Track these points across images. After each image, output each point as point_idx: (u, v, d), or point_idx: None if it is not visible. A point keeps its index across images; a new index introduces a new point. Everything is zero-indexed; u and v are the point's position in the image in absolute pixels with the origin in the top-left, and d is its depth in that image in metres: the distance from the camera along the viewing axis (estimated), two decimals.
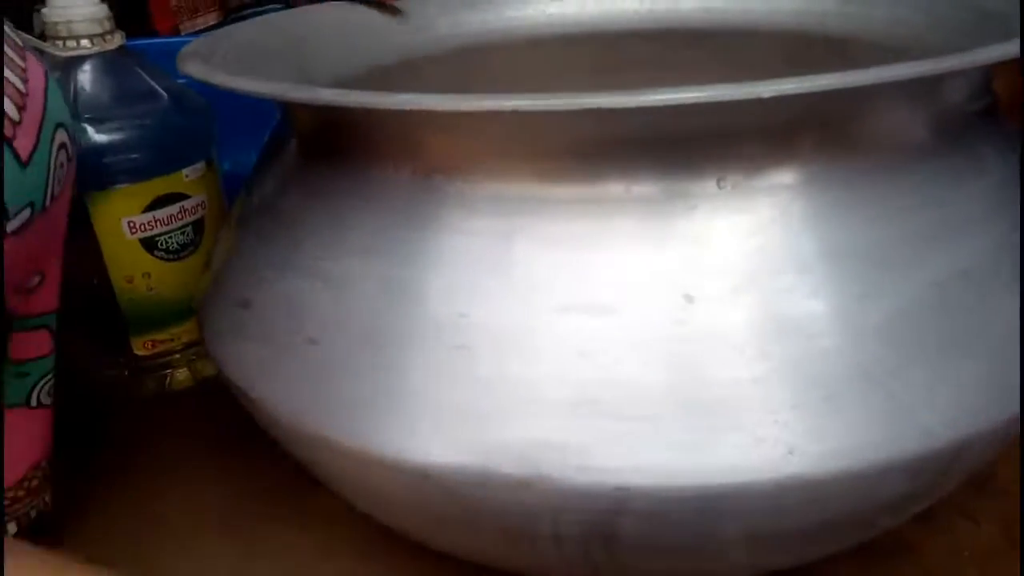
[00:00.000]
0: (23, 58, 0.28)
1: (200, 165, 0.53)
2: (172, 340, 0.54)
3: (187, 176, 0.52)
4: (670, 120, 0.26)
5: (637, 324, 0.26)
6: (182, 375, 0.55)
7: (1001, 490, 0.42)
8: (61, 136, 0.30)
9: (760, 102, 0.23)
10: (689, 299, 0.26)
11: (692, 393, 0.25)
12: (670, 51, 0.55)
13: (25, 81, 0.28)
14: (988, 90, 0.32)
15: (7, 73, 0.26)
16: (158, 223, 0.51)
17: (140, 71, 0.51)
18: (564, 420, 0.26)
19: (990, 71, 0.32)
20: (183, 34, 0.95)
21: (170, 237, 0.52)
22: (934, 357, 0.26)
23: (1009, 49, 0.25)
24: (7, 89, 0.26)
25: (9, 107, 0.26)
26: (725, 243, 0.26)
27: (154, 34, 0.97)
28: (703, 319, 0.26)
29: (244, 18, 1.08)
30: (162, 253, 0.52)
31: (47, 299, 0.37)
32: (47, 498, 0.42)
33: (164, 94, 0.51)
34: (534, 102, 0.23)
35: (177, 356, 0.55)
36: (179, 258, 0.53)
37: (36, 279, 0.35)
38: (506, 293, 0.27)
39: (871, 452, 0.25)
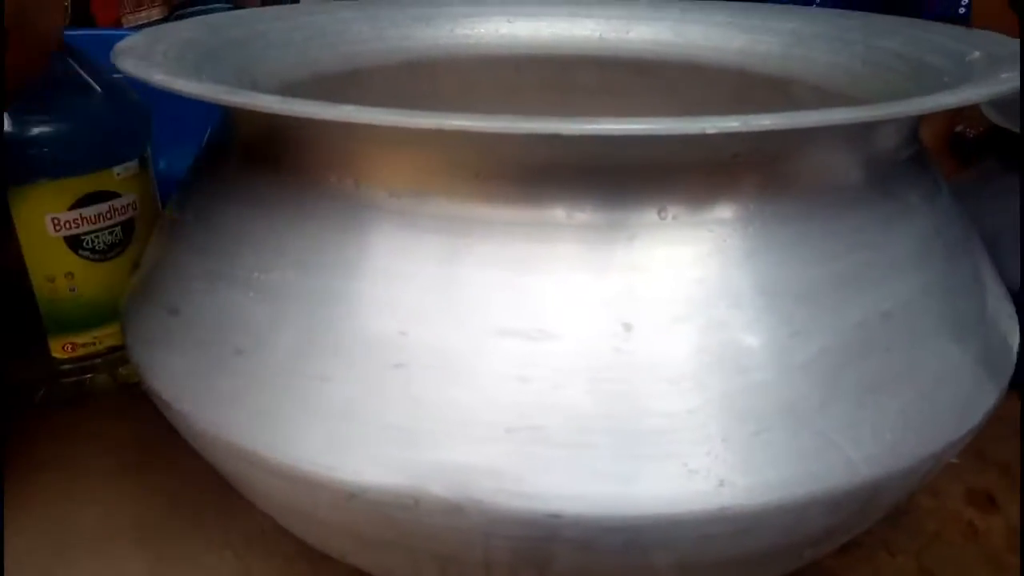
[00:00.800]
0: None
1: (133, 164, 0.51)
2: (94, 343, 0.52)
3: (118, 174, 0.50)
4: (615, 149, 0.26)
5: (575, 350, 0.26)
6: (102, 379, 0.53)
7: (915, 524, 0.43)
8: None
9: (704, 137, 0.24)
10: (627, 327, 0.26)
11: (628, 422, 0.25)
12: (618, 79, 0.55)
13: None
14: (916, 138, 0.34)
15: None
16: (85, 221, 0.49)
17: (72, 63, 0.49)
18: (499, 444, 0.26)
19: (918, 120, 0.33)
20: (125, 27, 0.92)
21: (97, 236, 0.50)
22: (858, 395, 0.27)
23: (943, 100, 0.26)
24: None
25: None
26: (664, 274, 0.26)
27: (94, 25, 0.94)
28: (641, 348, 0.26)
29: (190, 15, 1.06)
30: (88, 252, 0.50)
31: None
32: None
33: (97, 88, 0.49)
34: (480, 123, 0.22)
35: (98, 360, 0.53)
36: (106, 258, 0.51)
37: None
38: (445, 313, 0.27)
39: (798, 486, 0.26)
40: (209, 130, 0.74)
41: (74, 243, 0.49)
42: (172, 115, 0.72)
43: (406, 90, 0.53)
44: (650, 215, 0.27)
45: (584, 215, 0.27)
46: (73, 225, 0.48)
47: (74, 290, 0.50)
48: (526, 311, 0.26)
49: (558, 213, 0.27)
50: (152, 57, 0.33)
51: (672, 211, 0.27)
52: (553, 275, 0.26)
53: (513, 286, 0.27)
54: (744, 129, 0.22)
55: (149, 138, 0.56)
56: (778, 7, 0.52)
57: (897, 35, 0.43)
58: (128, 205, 0.51)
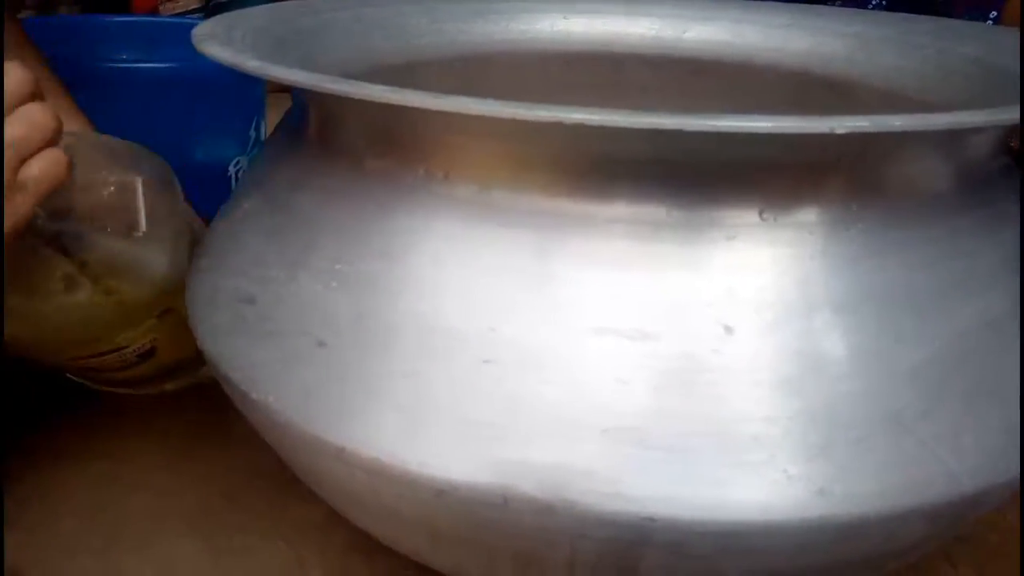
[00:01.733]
0: None
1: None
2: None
3: None
4: (719, 148, 0.25)
5: (674, 351, 0.25)
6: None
7: (977, 536, 0.43)
8: None
9: (816, 137, 0.23)
10: (728, 330, 0.25)
11: (726, 426, 0.25)
12: (673, 79, 0.55)
13: None
14: (1006, 148, 0.33)
15: None
16: None
17: None
18: (593, 445, 0.25)
19: (1010, 129, 0.33)
20: (163, 15, 0.92)
21: None
22: (959, 406, 0.26)
23: None
24: None
25: None
26: (765, 275, 0.26)
27: (130, 11, 0.94)
28: (741, 351, 0.25)
29: (225, 5, 1.05)
30: None
31: None
32: None
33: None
34: (600, 117, 0.22)
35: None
36: None
37: None
38: (539, 310, 0.26)
39: (898, 496, 0.25)
40: (263, 118, 0.73)
41: None
42: (209, 107, 0.72)
43: (461, 83, 0.52)
44: (751, 215, 0.26)
45: (682, 213, 0.26)
46: None
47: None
48: (623, 310, 0.26)
49: (658, 211, 0.26)
50: (232, 43, 0.32)
51: (773, 212, 0.26)
52: (652, 274, 0.26)
53: (610, 284, 0.26)
54: (874, 130, 0.21)
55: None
56: (842, 10, 0.51)
57: (971, 40, 0.42)
58: None
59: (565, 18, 0.56)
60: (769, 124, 0.21)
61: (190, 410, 0.50)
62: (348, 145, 0.31)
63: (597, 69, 0.56)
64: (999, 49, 0.40)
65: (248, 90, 0.70)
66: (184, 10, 0.95)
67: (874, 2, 0.67)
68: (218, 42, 0.32)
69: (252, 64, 0.27)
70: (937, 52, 0.43)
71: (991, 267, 0.29)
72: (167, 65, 0.65)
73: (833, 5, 0.66)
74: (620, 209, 0.26)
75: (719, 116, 0.21)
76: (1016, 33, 0.41)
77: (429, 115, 0.26)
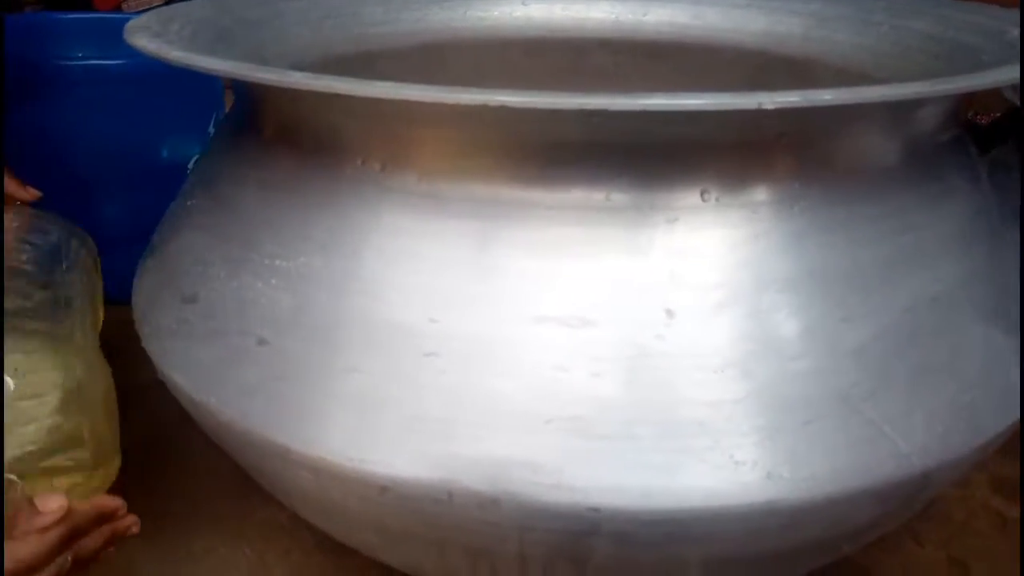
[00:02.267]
0: None
1: None
2: None
3: None
4: (657, 128, 0.25)
5: (615, 338, 0.25)
6: None
7: (942, 514, 0.43)
8: None
9: (753, 114, 0.23)
10: (670, 314, 0.25)
11: (670, 412, 0.24)
12: (633, 62, 0.54)
13: None
14: (956, 121, 0.33)
15: None
16: None
17: None
18: (536, 436, 0.25)
19: (961, 102, 0.32)
20: (125, 12, 0.90)
21: None
22: (908, 383, 0.26)
23: (997, 76, 0.25)
24: None
25: None
26: (707, 257, 0.25)
27: (92, 9, 0.92)
28: (683, 335, 0.25)
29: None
30: None
31: None
32: None
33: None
34: (525, 99, 0.21)
35: None
36: None
37: None
38: (479, 300, 0.26)
39: (848, 478, 0.25)
40: (221, 113, 0.72)
41: None
42: (173, 103, 0.71)
43: (417, 73, 0.51)
44: (692, 197, 0.26)
45: (623, 196, 0.26)
46: None
47: None
48: (563, 298, 0.25)
49: (596, 195, 0.25)
50: (167, 35, 0.32)
51: (715, 193, 0.26)
52: (591, 260, 0.25)
53: (549, 272, 0.25)
54: (805, 104, 0.21)
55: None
56: None
57: (925, 15, 0.42)
58: None
59: (524, 4, 0.55)
60: (697, 101, 0.21)
61: (146, 414, 0.50)
62: (286, 138, 0.30)
63: (557, 55, 0.55)
64: (953, 24, 0.40)
65: (207, 85, 0.69)
66: (147, 7, 0.93)
67: None
68: (149, 34, 0.31)
69: (175, 55, 0.26)
70: (892, 28, 0.43)
71: (939, 241, 0.28)
72: (123, 62, 0.64)
73: None
74: (559, 195, 0.26)
75: (644, 95, 0.21)
76: (968, 7, 0.40)
77: (360, 103, 0.26)
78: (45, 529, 0.31)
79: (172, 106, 0.68)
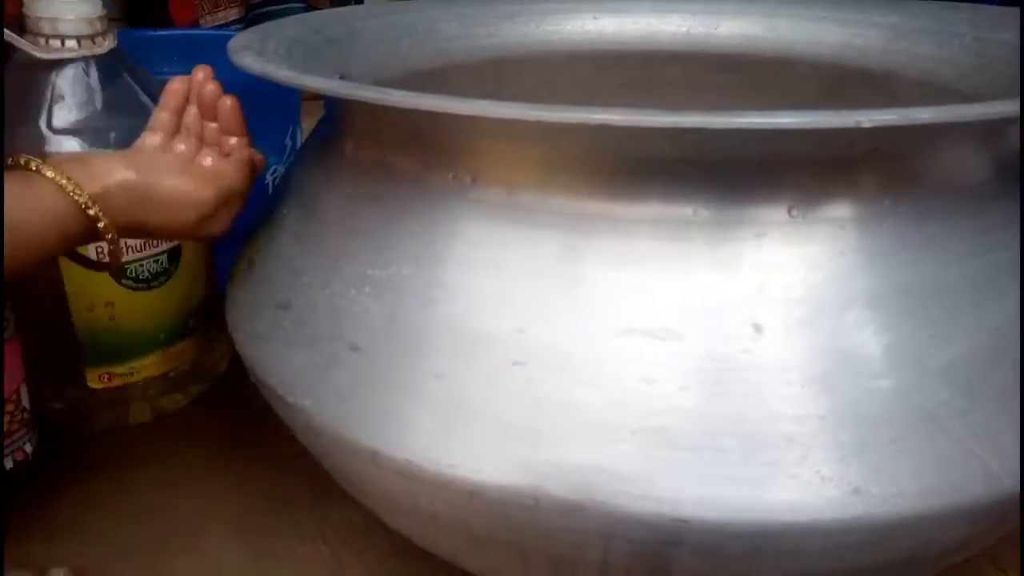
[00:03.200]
0: None
1: None
2: (131, 374, 0.48)
3: None
4: (746, 145, 0.25)
5: (703, 351, 0.25)
6: (140, 410, 0.50)
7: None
8: None
9: (845, 131, 0.23)
10: (758, 329, 0.25)
11: (757, 426, 0.25)
12: (703, 75, 0.54)
13: None
14: None
15: None
16: (129, 250, 0.45)
17: (130, 80, 0.46)
18: (623, 446, 0.25)
19: None
20: (203, 27, 0.94)
21: (141, 265, 0.46)
22: (997, 403, 0.26)
23: None
24: None
25: None
26: (794, 273, 0.26)
27: (172, 25, 0.96)
28: (771, 350, 0.25)
29: (266, 15, 1.07)
30: (130, 282, 0.46)
31: None
32: (28, 447, 0.42)
33: (151, 107, 0.44)
34: (624, 117, 0.22)
35: (136, 391, 0.49)
36: (149, 287, 0.47)
37: None
38: (567, 311, 0.26)
39: (936, 496, 0.25)
40: (298, 125, 0.74)
41: (116, 273, 0.44)
42: (255, 114, 0.73)
43: (492, 86, 0.52)
44: (779, 212, 0.26)
45: (710, 212, 0.26)
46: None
47: (113, 319, 0.47)
48: (651, 310, 0.26)
49: (684, 210, 0.26)
50: (266, 54, 0.33)
51: (803, 208, 0.26)
52: (678, 273, 0.26)
53: (636, 285, 0.26)
54: (902, 123, 0.21)
55: None
56: (878, 0, 0.50)
57: (1010, 27, 0.41)
58: None
59: (595, 18, 0.56)
60: (793, 119, 0.21)
61: (229, 415, 0.52)
62: (378, 151, 0.31)
63: (628, 68, 0.55)
64: None
65: (284, 99, 0.71)
66: (224, 22, 0.97)
67: None
68: (253, 53, 0.32)
69: (283, 74, 0.28)
70: (975, 40, 0.42)
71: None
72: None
73: None
74: (646, 209, 0.26)
75: (741, 113, 0.21)
76: None
77: (455, 119, 0.27)
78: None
79: (251, 118, 0.71)
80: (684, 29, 0.55)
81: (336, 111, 0.34)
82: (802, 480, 0.24)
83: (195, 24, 0.97)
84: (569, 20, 0.55)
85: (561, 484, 0.25)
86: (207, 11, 0.95)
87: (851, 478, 0.24)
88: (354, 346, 0.29)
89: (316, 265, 0.32)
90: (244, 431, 0.49)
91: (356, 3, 1.40)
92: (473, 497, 0.27)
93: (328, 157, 0.34)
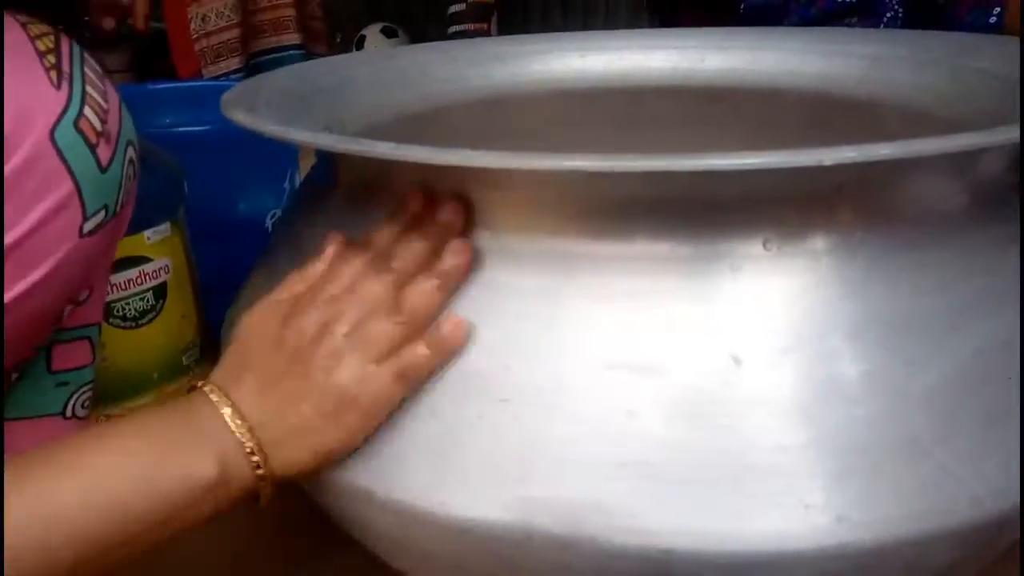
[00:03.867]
0: (102, 80, 0.31)
1: (165, 227, 0.50)
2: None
3: (149, 239, 0.49)
4: (718, 182, 0.26)
5: (684, 383, 0.26)
6: None
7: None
8: (131, 152, 0.32)
9: (813, 168, 0.24)
10: (737, 361, 0.26)
11: (740, 457, 0.25)
12: (691, 108, 0.55)
13: (106, 99, 0.31)
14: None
15: (91, 90, 0.30)
16: (115, 288, 0.47)
17: None
18: (609, 480, 0.26)
19: None
20: (206, 78, 0.96)
21: (127, 303, 0.47)
22: (980, 426, 0.26)
23: None
24: (92, 103, 0.29)
25: (93, 119, 0.29)
26: (772, 305, 0.26)
27: (175, 77, 0.98)
28: (751, 382, 0.26)
29: (267, 63, 1.10)
30: (118, 320, 0.47)
31: (93, 312, 0.38)
32: None
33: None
34: (594, 163, 0.23)
35: None
36: (137, 325, 0.48)
37: (85, 293, 0.36)
38: (551, 348, 0.27)
39: (920, 521, 0.25)
40: (296, 170, 0.75)
41: (104, 311, 0.44)
42: (250, 159, 0.75)
43: (484, 126, 0.54)
44: (754, 246, 0.27)
45: (687, 248, 0.27)
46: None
47: (106, 360, 0.47)
48: (633, 345, 0.26)
49: (662, 247, 0.27)
50: (257, 108, 0.34)
51: (777, 242, 0.27)
52: (659, 308, 0.26)
53: (619, 320, 0.27)
54: (861, 159, 0.22)
55: (183, 200, 0.54)
56: (857, 31, 0.51)
57: (988, 54, 0.42)
58: (160, 269, 0.49)
59: (582, 56, 0.57)
60: (757, 160, 0.22)
61: None
62: (365, 198, 0.32)
63: (615, 103, 0.57)
64: (1015, 62, 0.40)
65: (283, 146, 0.73)
66: (226, 71, 0.99)
67: (888, 15, 0.66)
68: (243, 108, 0.33)
69: (271, 128, 0.29)
70: (952, 68, 0.43)
71: (1006, 285, 0.28)
72: (205, 128, 0.68)
73: (851, 25, 0.66)
74: (625, 247, 0.27)
75: (709, 156, 0.22)
76: None
77: (435, 170, 0.28)
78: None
79: (252, 165, 0.72)
80: (670, 64, 0.56)
81: (325, 159, 0.35)
82: (786, 509, 0.25)
83: (198, 75, 0.99)
84: (557, 59, 0.56)
85: (551, 519, 0.26)
86: (209, 62, 0.97)
87: (835, 505, 0.25)
88: None
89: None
90: None
91: (357, 49, 1.43)
92: (466, 534, 0.27)
93: (319, 203, 0.35)
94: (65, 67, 0.29)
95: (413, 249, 0.28)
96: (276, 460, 0.28)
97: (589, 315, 0.27)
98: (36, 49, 0.29)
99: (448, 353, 0.27)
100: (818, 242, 0.27)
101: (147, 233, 0.49)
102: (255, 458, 0.28)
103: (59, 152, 0.28)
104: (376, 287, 0.28)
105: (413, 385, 0.28)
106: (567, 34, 0.57)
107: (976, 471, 0.25)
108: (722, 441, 0.25)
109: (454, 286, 0.28)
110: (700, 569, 0.25)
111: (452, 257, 0.28)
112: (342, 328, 0.28)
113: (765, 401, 0.25)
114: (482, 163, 0.24)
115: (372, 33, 1.54)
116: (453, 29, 1.27)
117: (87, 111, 0.29)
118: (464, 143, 0.25)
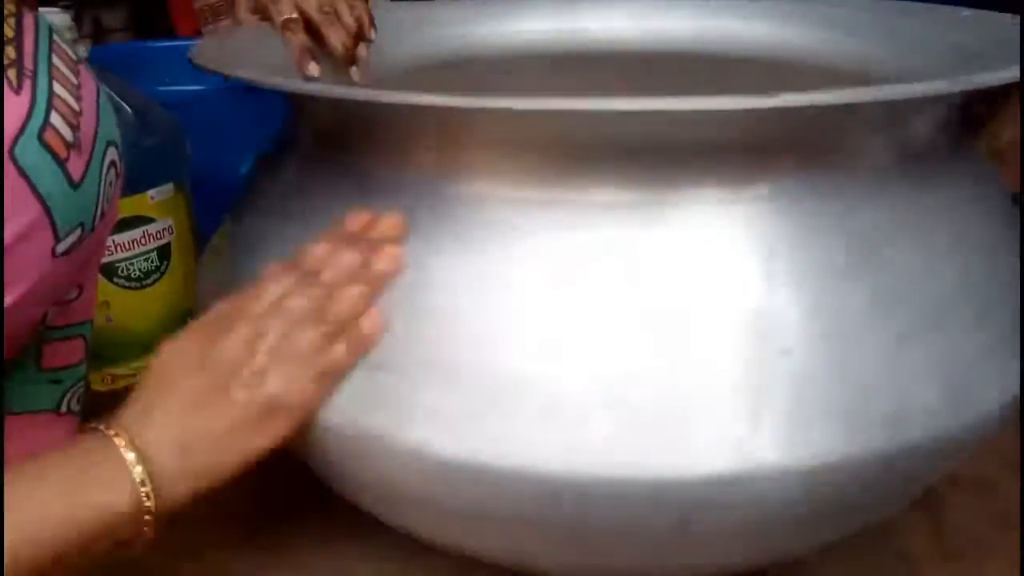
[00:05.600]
0: (76, 73, 0.27)
1: (168, 187, 0.50)
2: (135, 375, 0.49)
3: (152, 198, 0.49)
4: (663, 128, 0.28)
5: (641, 324, 0.28)
6: None
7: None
8: (112, 154, 0.29)
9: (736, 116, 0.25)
10: (670, 305, 0.28)
11: (686, 393, 0.27)
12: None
13: (79, 99, 0.26)
14: (961, 127, 0.34)
15: (59, 90, 0.25)
16: (118, 248, 0.47)
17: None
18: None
19: (962, 105, 0.33)
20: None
21: (132, 263, 0.48)
22: (894, 356, 0.28)
23: (988, 78, 0.26)
24: (60, 107, 0.25)
25: (62, 127, 0.25)
26: (705, 250, 0.28)
27: (174, 36, 0.99)
28: (701, 320, 0.28)
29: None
30: (123, 280, 0.48)
31: (84, 309, 0.36)
32: None
33: (128, 111, 0.47)
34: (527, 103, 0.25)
35: None
36: (143, 286, 0.49)
37: (74, 292, 0.34)
38: (507, 286, 0.29)
39: (837, 448, 0.27)
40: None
41: (108, 271, 0.46)
42: (253, 121, 0.76)
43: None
44: (702, 192, 0.28)
45: (637, 195, 0.28)
46: (106, 253, 0.45)
47: (111, 320, 0.48)
48: (597, 289, 0.28)
49: (615, 194, 0.29)
50: (228, 57, 0.36)
51: (714, 191, 0.28)
52: (608, 255, 0.28)
53: (566, 264, 0.29)
54: (797, 104, 0.24)
55: (186, 161, 0.54)
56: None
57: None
58: (163, 230, 0.49)
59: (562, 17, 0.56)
60: (714, 104, 0.24)
61: None
62: (331, 142, 0.34)
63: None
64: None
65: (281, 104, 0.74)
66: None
67: None
68: (212, 55, 0.35)
69: (236, 71, 0.30)
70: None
71: (930, 244, 0.30)
72: (205, 88, 0.69)
73: None
74: (577, 194, 0.29)
75: (655, 98, 0.24)
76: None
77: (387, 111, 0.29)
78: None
79: (250, 125, 0.73)
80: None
81: (294, 111, 0.37)
82: (730, 435, 0.27)
83: (198, 34, 1.00)
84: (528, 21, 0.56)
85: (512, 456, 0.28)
86: (209, 20, 0.98)
87: (776, 432, 0.27)
88: None
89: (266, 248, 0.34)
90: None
91: None
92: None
93: (285, 151, 0.37)
94: (28, 63, 0.25)
95: (344, 261, 0.29)
96: (189, 482, 0.28)
97: (544, 254, 0.29)
98: None
99: (366, 349, 0.29)
100: (754, 190, 0.29)
101: (151, 193, 0.49)
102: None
103: (21, 171, 0.24)
104: (302, 300, 0.29)
105: (336, 383, 0.29)
106: None
107: (889, 399, 0.28)
108: (667, 378, 0.27)
109: (381, 290, 0.29)
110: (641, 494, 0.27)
111: (382, 263, 0.29)
112: (265, 344, 0.29)
113: (712, 338, 0.27)
114: (424, 102, 0.26)
115: None
116: None
117: (54, 118, 0.25)
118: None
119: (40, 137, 0.24)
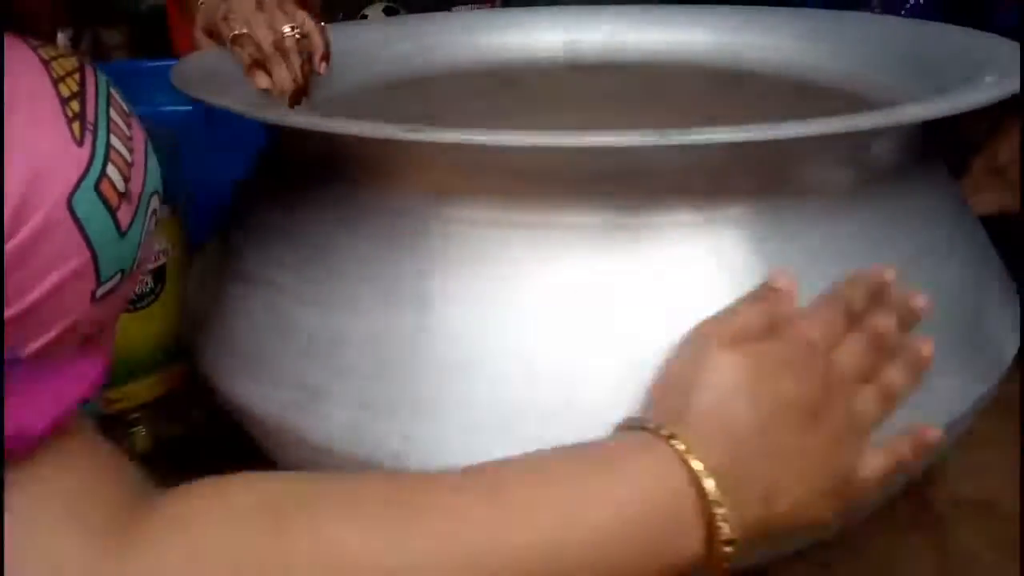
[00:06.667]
0: (129, 125, 0.28)
1: (163, 209, 0.48)
2: (125, 400, 0.48)
3: None
4: (630, 157, 0.28)
5: (592, 348, 0.29)
6: (141, 437, 0.49)
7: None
8: (155, 202, 0.29)
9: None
10: (643, 325, 0.29)
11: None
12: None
13: (131, 151, 0.27)
14: (927, 146, 0.35)
15: (116, 143, 0.26)
16: None
17: None
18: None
19: (927, 128, 0.34)
20: None
21: None
22: None
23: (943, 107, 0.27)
24: (116, 159, 0.26)
25: (116, 178, 0.26)
26: (677, 271, 0.29)
27: (173, 55, 1.00)
28: (656, 341, 0.28)
29: None
30: None
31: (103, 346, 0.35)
32: None
33: None
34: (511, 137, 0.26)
35: (135, 415, 0.49)
36: (136, 308, 0.48)
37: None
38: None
39: None
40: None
41: None
42: (244, 141, 0.76)
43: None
44: (673, 215, 0.29)
45: (611, 217, 0.29)
46: None
47: None
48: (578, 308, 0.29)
49: (591, 217, 0.29)
50: (215, 80, 0.36)
51: (682, 213, 0.29)
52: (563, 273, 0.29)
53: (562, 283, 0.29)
54: (751, 139, 0.25)
55: (184, 186, 0.53)
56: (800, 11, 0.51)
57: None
58: (159, 252, 0.48)
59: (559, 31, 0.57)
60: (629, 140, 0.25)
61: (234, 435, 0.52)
62: (306, 167, 0.35)
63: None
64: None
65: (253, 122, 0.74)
66: None
67: (911, 3, 0.65)
68: (193, 78, 0.35)
69: (212, 98, 0.32)
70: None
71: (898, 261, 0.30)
72: (198, 107, 0.69)
73: (872, 11, 0.65)
74: (557, 217, 0.30)
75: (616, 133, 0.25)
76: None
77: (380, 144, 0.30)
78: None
79: (244, 145, 0.73)
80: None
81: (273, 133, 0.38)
82: None
83: None
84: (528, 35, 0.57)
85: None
86: None
87: None
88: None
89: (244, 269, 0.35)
90: (248, 456, 0.50)
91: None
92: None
93: (268, 172, 0.37)
94: (90, 115, 0.26)
95: (884, 318, 0.27)
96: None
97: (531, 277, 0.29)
98: (59, 95, 0.25)
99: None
100: (718, 212, 0.29)
101: None
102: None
103: (76, 220, 0.25)
104: (860, 347, 0.27)
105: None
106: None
107: None
108: (641, 397, 0.28)
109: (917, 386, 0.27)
110: None
111: (924, 347, 0.27)
112: (852, 397, 0.26)
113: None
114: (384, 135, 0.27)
115: (375, 12, 1.54)
116: (457, 10, 1.27)
117: (110, 170, 0.26)
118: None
119: (97, 187, 0.25)
